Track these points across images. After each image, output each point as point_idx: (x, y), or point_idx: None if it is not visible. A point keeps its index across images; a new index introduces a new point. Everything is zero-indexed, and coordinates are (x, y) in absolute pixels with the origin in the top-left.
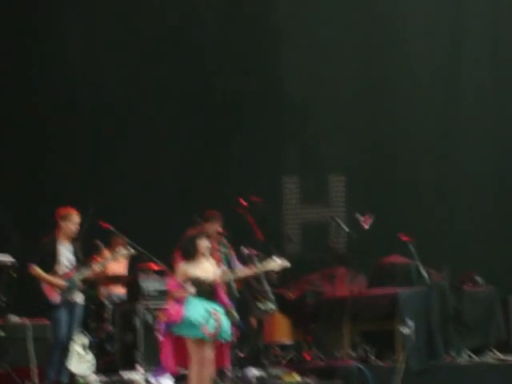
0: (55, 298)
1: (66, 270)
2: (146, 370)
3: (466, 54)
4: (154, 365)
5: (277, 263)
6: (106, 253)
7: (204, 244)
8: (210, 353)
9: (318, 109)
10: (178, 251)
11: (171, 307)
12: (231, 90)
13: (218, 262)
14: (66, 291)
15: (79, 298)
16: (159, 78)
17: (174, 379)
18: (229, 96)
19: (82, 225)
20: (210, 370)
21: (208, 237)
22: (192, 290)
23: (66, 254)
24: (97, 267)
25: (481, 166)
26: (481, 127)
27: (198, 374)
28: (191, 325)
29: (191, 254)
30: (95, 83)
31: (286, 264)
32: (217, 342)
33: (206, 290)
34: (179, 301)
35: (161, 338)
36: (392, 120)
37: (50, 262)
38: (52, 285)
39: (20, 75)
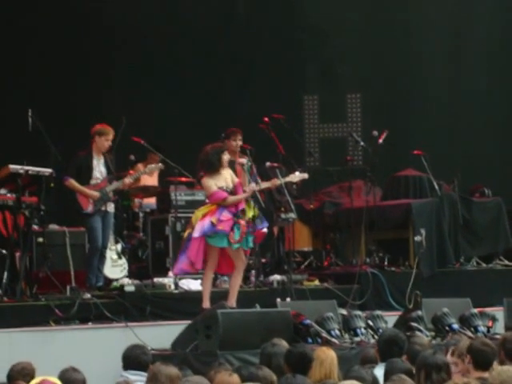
0: (88, 207)
1: (99, 182)
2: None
3: None
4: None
5: (296, 175)
6: (140, 166)
7: (227, 158)
8: (241, 260)
9: (336, 32)
10: (201, 165)
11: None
12: (256, 14)
13: (240, 175)
14: (98, 201)
15: (110, 207)
16: None
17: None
18: (253, 19)
19: (114, 139)
20: (240, 277)
21: (229, 151)
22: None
23: (99, 167)
24: (128, 180)
25: (493, 84)
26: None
27: (211, 280)
28: (218, 234)
29: (215, 167)
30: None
31: (305, 175)
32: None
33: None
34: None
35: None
36: (405, 40)
37: (84, 175)
38: (86, 195)
39: None
